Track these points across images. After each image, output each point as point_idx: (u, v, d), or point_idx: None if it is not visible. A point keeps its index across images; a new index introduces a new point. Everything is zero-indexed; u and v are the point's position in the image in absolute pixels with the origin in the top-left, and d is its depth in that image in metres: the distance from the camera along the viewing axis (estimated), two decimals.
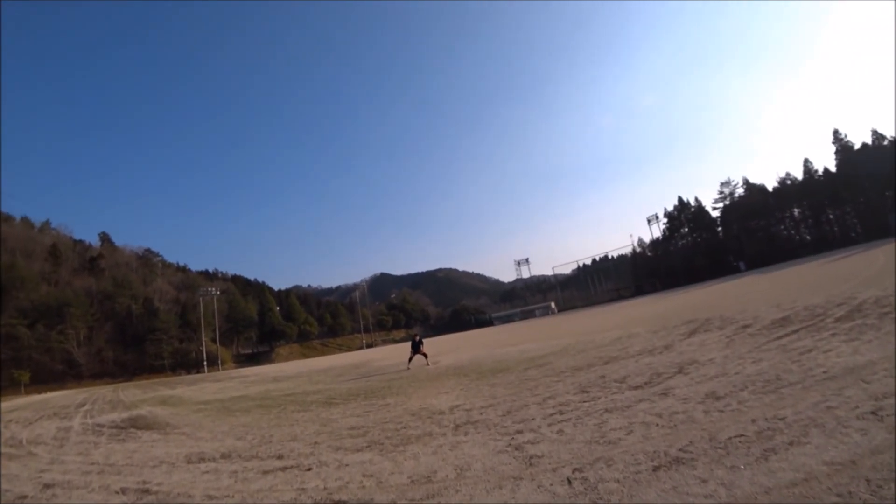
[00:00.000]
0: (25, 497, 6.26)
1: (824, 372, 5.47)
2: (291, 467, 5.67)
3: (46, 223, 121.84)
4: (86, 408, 21.53)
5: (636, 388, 6.67)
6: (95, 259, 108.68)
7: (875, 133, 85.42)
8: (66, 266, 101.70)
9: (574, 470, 3.85)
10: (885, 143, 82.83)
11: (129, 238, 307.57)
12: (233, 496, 4.87)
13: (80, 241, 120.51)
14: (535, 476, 3.87)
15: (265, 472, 5.65)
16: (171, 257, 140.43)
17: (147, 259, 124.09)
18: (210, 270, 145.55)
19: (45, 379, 76.05)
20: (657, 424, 4.69)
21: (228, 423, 10.31)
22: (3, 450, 11.20)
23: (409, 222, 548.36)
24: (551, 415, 5.97)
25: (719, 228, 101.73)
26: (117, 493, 5.79)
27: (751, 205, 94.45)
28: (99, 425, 13.65)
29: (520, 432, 5.39)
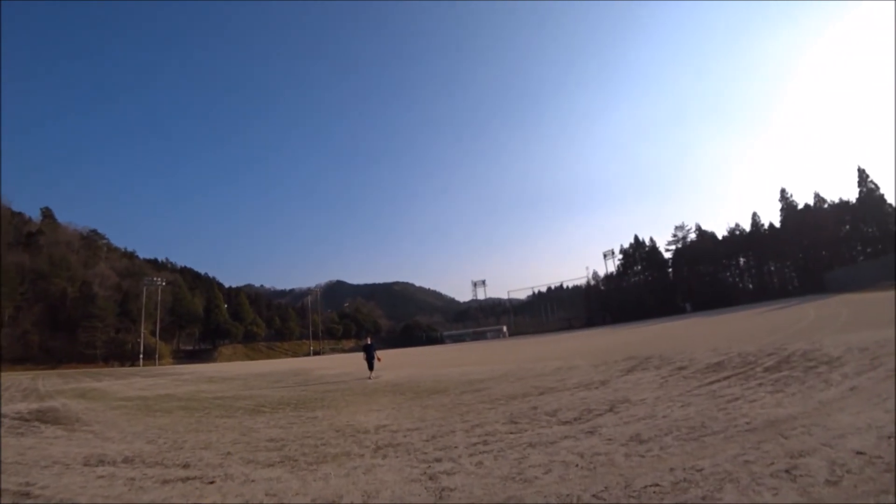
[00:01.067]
0: None
1: (747, 423, 5.53)
2: (194, 478, 5.29)
3: None
4: None
5: (565, 423, 6.61)
6: (33, 234, 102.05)
7: (817, 196, 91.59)
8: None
9: None
10: (826, 206, 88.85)
11: (75, 216, 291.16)
12: None
13: (19, 214, 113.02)
14: None
15: (164, 482, 5.25)
16: (119, 241, 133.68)
17: (91, 240, 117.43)
18: (160, 259, 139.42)
19: None
20: (577, 465, 4.60)
21: (143, 424, 9.69)
22: None
23: (371, 232, 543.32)
24: (475, 444, 5.82)
25: (670, 269, 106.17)
26: None
27: (701, 250, 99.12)
28: (1, 415, 12.59)
29: (438, 460, 5.21)
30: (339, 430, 7.51)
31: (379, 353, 19.23)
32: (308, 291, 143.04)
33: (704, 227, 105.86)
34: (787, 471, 3.85)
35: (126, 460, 6.44)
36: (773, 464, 4.05)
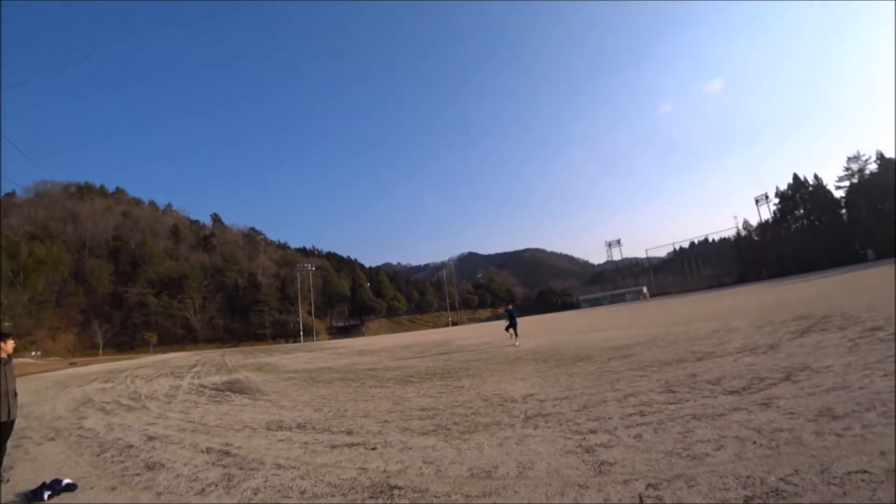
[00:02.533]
0: (131, 446, 6.92)
1: None
2: (358, 444, 5.70)
3: (168, 206, 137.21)
4: (196, 369, 23.89)
5: (732, 393, 5.88)
6: (208, 237, 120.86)
7: None
8: (184, 243, 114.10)
9: (648, 486, 3.37)
10: None
11: (237, 218, 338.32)
12: (298, 467, 4.97)
13: (196, 221, 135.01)
14: (603, 487, 3.45)
15: (333, 447, 5.73)
16: (273, 235, 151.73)
17: (251, 237, 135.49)
18: (307, 248, 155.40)
19: (169, 341, 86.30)
20: (754, 442, 3.99)
21: (310, 394, 10.79)
22: (126, 402, 12.70)
23: (498, 202, 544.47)
24: (631, 415, 5.43)
25: (843, 211, 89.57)
26: (202, 451, 6.19)
27: (885, 183, 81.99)
28: (203, 386, 15.02)
29: (593, 432, 4.93)
30: (487, 399, 7.57)
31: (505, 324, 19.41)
32: (442, 265, 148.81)
33: (889, 154, 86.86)
34: None
35: (299, 426, 7.18)
36: None
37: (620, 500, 3.20)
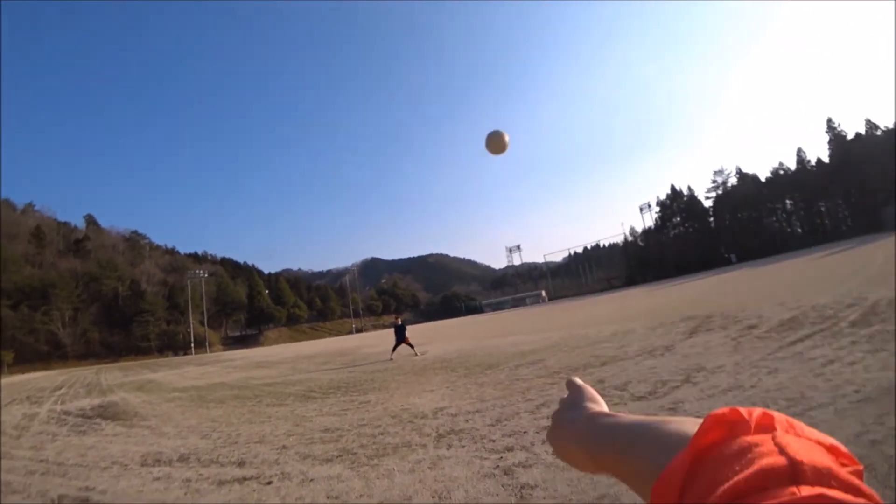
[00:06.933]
0: None
1: (855, 391, 4.74)
2: (251, 478, 5.02)
3: (29, 205, 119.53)
4: (61, 391, 20.79)
5: (639, 398, 5.99)
6: (81, 241, 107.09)
7: (869, 123, 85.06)
8: (50, 248, 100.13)
9: None
10: (880, 133, 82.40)
11: (117, 220, 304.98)
12: None
13: (66, 224, 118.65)
14: None
15: (221, 483, 5.00)
16: (159, 240, 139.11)
17: (134, 241, 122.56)
18: (199, 253, 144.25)
19: (30, 359, 75.09)
20: None
21: (198, 416, 9.64)
22: None
23: (401, 207, 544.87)
24: (545, 427, 5.30)
25: (711, 219, 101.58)
26: (52, 501, 5.13)
27: (743, 195, 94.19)
28: (66, 413, 12.96)
29: (510, 449, 4.69)
30: (395, 415, 7.13)
31: (410, 330, 18.84)
32: (345, 271, 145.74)
33: (745, 169, 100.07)
34: None
35: (182, 458, 6.26)
36: None
37: None
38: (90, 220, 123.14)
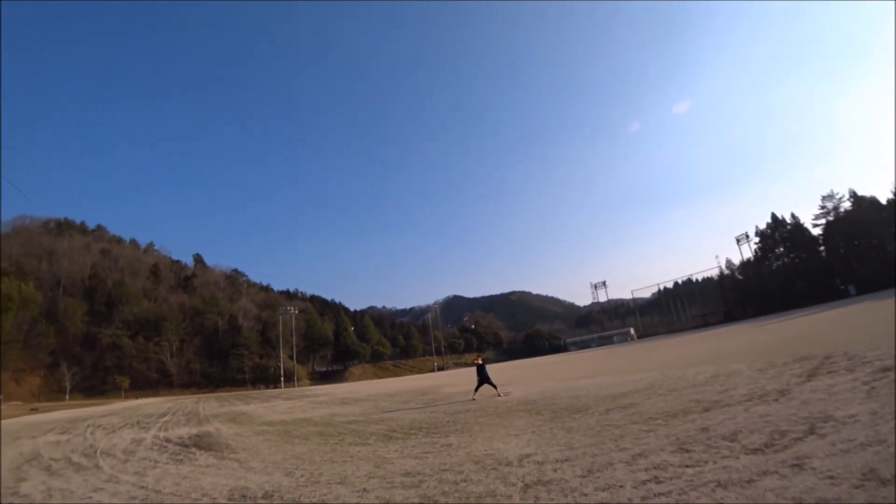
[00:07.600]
0: None
1: None
2: None
3: (150, 245, 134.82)
4: (165, 419, 22.40)
5: (754, 451, 5.20)
6: (189, 278, 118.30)
7: None
8: (164, 284, 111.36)
9: None
10: None
11: (220, 259, 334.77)
12: None
13: (178, 262, 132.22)
14: None
15: None
16: (256, 277, 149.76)
17: (234, 278, 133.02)
18: (290, 290, 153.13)
19: (143, 385, 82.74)
20: None
21: (283, 452, 9.83)
22: (77, 459, 11.52)
23: (483, 245, 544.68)
24: (644, 482, 4.70)
25: (821, 248, 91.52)
26: None
27: (860, 220, 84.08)
28: (167, 440, 13.83)
29: None
30: (478, 460, 6.76)
31: (492, 369, 18.22)
32: (428, 308, 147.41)
33: (861, 192, 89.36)
34: None
35: (266, 496, 6.30)
36: None
37: None
38: (198, 259, 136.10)
